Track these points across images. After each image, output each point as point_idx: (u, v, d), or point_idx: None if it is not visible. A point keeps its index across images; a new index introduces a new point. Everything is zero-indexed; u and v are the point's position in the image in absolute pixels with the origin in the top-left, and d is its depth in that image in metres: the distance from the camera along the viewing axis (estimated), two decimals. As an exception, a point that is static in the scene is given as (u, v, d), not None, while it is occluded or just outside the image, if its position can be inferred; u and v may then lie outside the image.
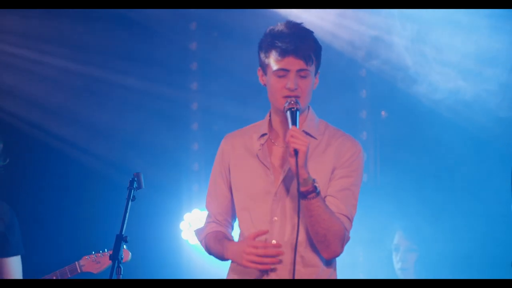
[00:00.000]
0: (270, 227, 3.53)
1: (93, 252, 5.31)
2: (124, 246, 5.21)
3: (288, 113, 3.44)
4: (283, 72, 3.50)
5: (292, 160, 3.34)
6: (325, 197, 3.52)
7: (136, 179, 3.69)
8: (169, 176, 7.05)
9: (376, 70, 6.71)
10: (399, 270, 6.39)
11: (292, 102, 3.45)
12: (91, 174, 7.04)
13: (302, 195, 3.39)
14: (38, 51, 7.00)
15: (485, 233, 6.22)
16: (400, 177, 6.64)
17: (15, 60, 6.97)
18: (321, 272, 3.54)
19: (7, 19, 6.84)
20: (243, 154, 3.67)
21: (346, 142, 3.60)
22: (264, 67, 3.57)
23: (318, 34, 6.64)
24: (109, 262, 5.20)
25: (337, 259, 3.65)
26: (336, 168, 3.55)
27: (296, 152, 3.32)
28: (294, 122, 3.42)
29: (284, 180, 3.55)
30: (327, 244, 3.46)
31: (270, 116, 3.67)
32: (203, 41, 7.20)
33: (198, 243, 7.10)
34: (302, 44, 3.50)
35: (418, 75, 6.49)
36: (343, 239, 3.49)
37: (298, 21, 3.60)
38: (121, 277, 3.53)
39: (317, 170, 3.51)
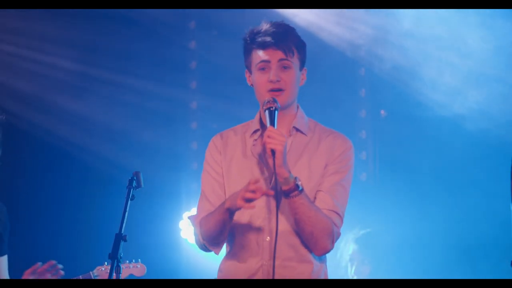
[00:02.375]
0: (268, 222, 3.53)
1: (106, 263, 5.32)
2: (139, 261, 5.24)
3: (267, 112, 3.46)
4: (264, 64, 3.55)
5: (270, 161, 3.36)
6: (317, 192, 3.54)
7: (135, 178, 3.68)
8: (169, 175, 7.05)
9: (376, 69, 6.72)
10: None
11: (271, 101, 3.48)
12: (90, 173, 7.04)
13: (285, 194, 3.42)
14: (37, 50, 7.00)
15: (485, 234, 6.23)
16: (398, 176, 6.64)
17: (14, 59, 6.97)
18: (315, 268, 3.55)
19: (7, 19, 6.84)
20: (235, 151, 3.68)
21: (337, 139, 3.63)
22: (249, 66, 3.63)
23: (317, 33, 6.70)
24: (125, 275, 5.24)
25: (333, 259, 3.66)
26: (328, 164, 3.57)
27: (273, 152, 3.34)
28: (272, 122, 3.43)
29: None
30: (314, 241, 3.47)
31: (260, 114, 3.68)
32: (202, 40, 7.20)
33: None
34: (281, 36, 3.53)
35: (418, 75, 6.50)
36: (332, 235, 3.48)
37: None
38: (120, 277, 3.53)
39: (311, 166, 3.55)
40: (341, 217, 3.54)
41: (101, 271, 5.27)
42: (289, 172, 3.39)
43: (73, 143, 7.05)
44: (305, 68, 3.64)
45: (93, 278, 5.25)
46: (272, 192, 3.41)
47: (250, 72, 3.64)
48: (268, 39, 3.53)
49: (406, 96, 6.56)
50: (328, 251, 3.52)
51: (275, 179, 3.38)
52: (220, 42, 7.01)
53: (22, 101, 7.01)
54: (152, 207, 6.81)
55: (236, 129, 3.76)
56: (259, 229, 3.54)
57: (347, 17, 6.60)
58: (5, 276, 4.80)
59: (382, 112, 6.88)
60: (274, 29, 3.54)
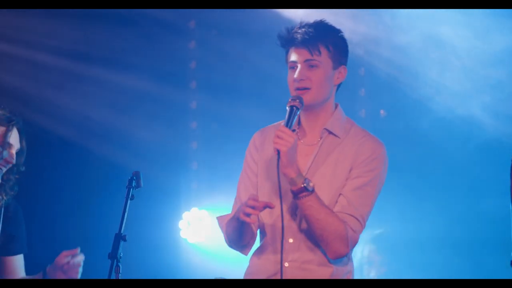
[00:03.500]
0: (292, 223, 3.52)
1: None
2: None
3: (287, 109, 3.44)
4: (292, 64, 3.53)
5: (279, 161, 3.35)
6: (339, 195, 3.50)
7: (135, 178, 3.68)
8: (168, 175, 7.05)
9: (375, 69, 6.71)
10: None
11: (295, 99, 3.45)
12: (90, 173, 7.04)
13: (293, 195, 3.39)
14: (36, 50, 6.99)
15: (485, 233, 6.23)
16: (398, 176, 6.64)
17: (14, 59, 6.97)
18: (335, 272, 3.52)
19: (7, 19, 6.84)
20: (271, 150, 3.58)
21: (367, 142, 3.59)
22: (287, 64, 3.62)
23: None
24: None
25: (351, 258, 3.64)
26: (352, 168, 3.53)
27: (278, 152, 3.33)
28: (288, 120, 3.41)
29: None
30: (325, 244, 3.44)
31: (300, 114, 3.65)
32: (202, 39, 7.20)
33: (197, 241, 7.15)
34: (308, 35, 3.50)
35: (418, 74, 6.49)
36: (345, 239, 3.44)
37: (311, 20, 3.62)
38: (119, 277, 3.53)
39: (336, 169, 3.52)
40: (359, 221, 3.49)
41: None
42: (298, 172, 3.37)
43: (72, 143, 7.05)
44: (343, 66, 3.62)
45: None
46: (273, 205, 3.38)
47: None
48: (292, 38, 3.52)
49: (406, 96, 6.56)
50: (342, 255, 3.48)
51: (279, 181, 3.36)
52: (220, 42, 7.01)
53: (19, 100, 7.00)
54: (151, 207, 6.80)
55: (277, 126, 3.65)
56: (278, 231, 3.50)
57: (346, 17, 6.60)
58: (21, 275, 4.81)
59: (382, 112, 6.88)
60: (303, 29, 3.52)
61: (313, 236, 3.47)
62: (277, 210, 3.46)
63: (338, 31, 3.62)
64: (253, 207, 3.34)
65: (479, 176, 6.33)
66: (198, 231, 6.97)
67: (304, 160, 3.55)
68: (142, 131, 7.09)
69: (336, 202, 3.50)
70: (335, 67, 3.59)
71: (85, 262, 5.41)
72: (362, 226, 3.52)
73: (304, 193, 3.37)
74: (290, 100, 3.46)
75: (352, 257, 3.66)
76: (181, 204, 7.02)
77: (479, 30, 6.19)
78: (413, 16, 6.36)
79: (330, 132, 3.59)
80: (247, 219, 3.35)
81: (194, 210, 6.97)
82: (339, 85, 3.70)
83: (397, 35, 6.50)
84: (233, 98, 6.89)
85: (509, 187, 3.28)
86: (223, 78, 6.97)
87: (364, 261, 6.45)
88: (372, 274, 6.39)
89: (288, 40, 3.54)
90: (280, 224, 3.44)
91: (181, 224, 7.00)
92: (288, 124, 3.40)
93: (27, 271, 5.09)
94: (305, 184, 3.36)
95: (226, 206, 6.84)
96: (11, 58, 6.95)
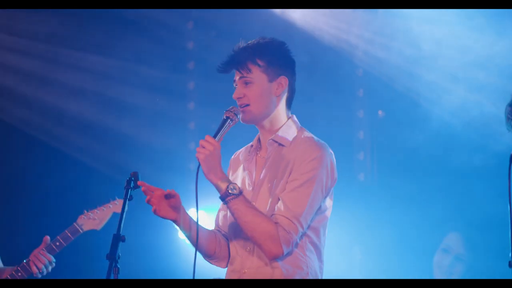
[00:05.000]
0: (242, 234, 3.69)
1: (85, 211, 5.29)
2: (116, 197, 5.19)
3: (223, 118, 3.68)
4: (234, 83, 3.78)
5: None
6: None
7: (133, 178, 3.69)
8: (166, 176, 7.04)
9: (373, 70, 6.71)
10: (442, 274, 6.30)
11: (231, 111, 3.68)
12: (88, 174, 7.03)
13: (222, 200, 3.58)
14: (34, 49, 6.99)
15: (483, 233, 6.23)
16: (396, 176, 6.64)
17: (13, 59, 6.97)
18: (286, 273, 3.60)
19: (7, 19, 6.84)
20: (239, 165, 3.87)
21: (307, 147, 3.67)
22: None
23: (315, 33, 6.70)
24: (108, 215, 5.21)
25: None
26: (292, 172, 3.63)
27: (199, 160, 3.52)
28: (218, 129, 3.65)
29: (254, 187, 3.71)
30: (258, 245, 3.57)
31: None
32: (200, 40, 7.20)
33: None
34: (236, 56, 3.74)
35: (416, 75, 6.50)
36: (276, 239, 3.53)
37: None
38: (118, 277, 3.53)
39: (278, 176, 3.64)
40: (292, 222, 3.55)
41: (85, 219, 5.23)
42: (222, 178, 3.54)
43: (70, 143, 7.05)
44: (282, 76, 3.72)
45: (79, 229, 5.20)
46: (170, 191, 3.73)
47: None
48: (228, 60, 3.77)
49: (404, 96, 6.56)
50: (276, 256, 3.57)
51: (196, 187, 3.63)
52: (218, 43, 7.01)
53: (18, 100, 7.00)
54: (150, 208, 6.78)
55: (249, 147, 3.89)
56: (240, 241, 3.71)
57: (345, 18, 6.60)
58: None
59: (380, 112, 6.88)
60: (234, 50, 3.77)
61: None
62: (234, 222, 3.67)
63: (270, 44, 3.76)
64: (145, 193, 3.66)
65: (478, 177, 6.33)
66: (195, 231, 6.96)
67: (259, 171, 3.73)
68: (140, 132, 7.09)
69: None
70: (271, 80, 3.71)
71: (84, 262, 5.42)
72: (297, 226, 3.57)
73: (229, 197, 3.54)
74: (226, 110, 3.70)
75: (317, 259, 3.68)
76: (179, 204, 7.01)
77: (480, 30, 6.19)
78: (412, 16, 6.36)
79: (276, 142, 3.72)
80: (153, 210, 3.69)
81: (192, 211, 6.95)
82: (291, 96, 3.79)
83: (396, 35, 6.50)
84: (231, 99, 6.89)
85: (508, 188, 3.29)
86: (221, 78, 6.96)
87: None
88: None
89: (223, 65, 3.79)
90: (234, 235, 3.73)
91: (180, 224, 6.99)
92: (216, 133, 3.63)
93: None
94: (229, 189, 3.52)
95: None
96: (10, 58, 6.95)
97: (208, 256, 3.88)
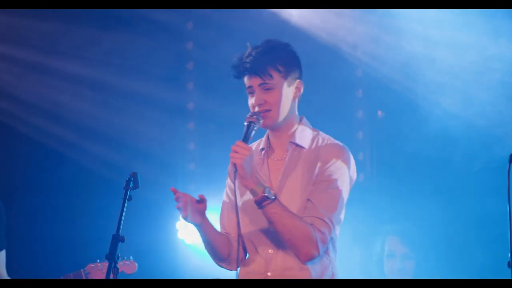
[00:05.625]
0: (269, 236, 3.67)
1: (98, 260, 5.32)
2: (131, 258, 5.26)
3: (245, 125, 3.62)
4: (250, 90, 3.73)
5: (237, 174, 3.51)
6: (307, 200, 3.63)
7: (132, 178, 3.69)
8: (166, 176, 7.05)
9: (373, 70, 6.72)
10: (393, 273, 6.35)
11: (252, 115, 3.65)
12: (87, 174, 7.03)
13: (257, 204, 3.54)
14: (33, 51, 6.99)
15: (482, 233, 6.23)
16: (396, 177, 6.65)
17: (12, 59, 6.97)
18: (314, 274, 3.62)
19: (6, 19, 6.84)
20: None
21: (330, 148, 3.71)
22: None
23: (314, 33, 6.70)
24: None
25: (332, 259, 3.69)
26: (317, 174, 3.66)
27: (235, 165, 3.48)
28: (244, 136, 3.58)
29: (274, 190, 3.67)
30: (295, 248, 3.57)
31: (268, 133, 3.85)
32: (199, 40, 7.20)
33: (194, 242, 7.14)
34: (257, 61, 3.67)
35: (415, 75, 6.50)
36: (313, 241, 3.55)
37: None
38: (117, 277, 3.53)
39: (303, 177, 3.66)
40: (326, 223, 3.59)
41: (93, 269, 5.27)
42: (257, 183, 3.52)
43: (70, 144, 7.05)
44: (299, 80, 3.74)
45: (84, 275, 5.24)
46: (202, 197, 3.65)
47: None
48: (246, 66, 3.68)
49: (403, 96, 6.57)
50: (312, 257, 3.59)
51: (235, 193, 3.61)
52: (217, 43, 7.01)
53: (17, 100, 7.00)
54: (149, 208, 6.80)
55: (252, 147, 3.86)
56: (259, 241, 3.69)
57: (344, 18, 6.60)
58: (3, 270, 4.82)
59: (379, 112, 6.88)
60: (252, 55, 3.69)
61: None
62: (253, 224, 3.68)
63: (285, 48, 3.75)
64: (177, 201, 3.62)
65: (478, 177, 6.33)
66: (196, 232, 6.95)
67: (276, 174, 3.73)
68: (139, 132, 7.09)
69: (305, 207, 3.63)
70: (290, 84, 3.72)
71: (83, 262, 5.42)
72: (331, 227, 3.61)
73: (266, 202, 3.51)
74: (248, 116, 3.65)
75: (333, 258, 3.72)
76: (178, 205, 7.01)
77: (479, 30, 6.19)
78: (411, 16, 6.36)
79: (297, 145, 3.74)
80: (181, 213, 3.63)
81: (192, 211, 6.96)
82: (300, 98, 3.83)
83: (395, 36, 6.50)
84: (230, 99, 6.89)
85: (506, 187, 3.29)
86: (220, 78, 6.96)
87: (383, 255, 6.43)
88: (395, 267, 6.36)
89: (240, 71, 3.71)
90: (259, 237, 3.68)
91: (179, 225, 7.00)
92: (244, 138, 3.57)
93: (24, 271, 5.11)
94: (265, 193, 3.50)
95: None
96: (10, 58, 6.95)
97: (221, 260, 3.82)
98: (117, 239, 3.54)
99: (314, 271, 3.62)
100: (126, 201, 3.65)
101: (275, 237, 3.63)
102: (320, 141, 3.75)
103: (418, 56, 6.45)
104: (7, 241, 5.05)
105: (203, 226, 3.73)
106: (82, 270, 5.27)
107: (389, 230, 6.45)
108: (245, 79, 3.71)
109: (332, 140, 3.76)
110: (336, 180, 3.63)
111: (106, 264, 5.20)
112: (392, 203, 6.53)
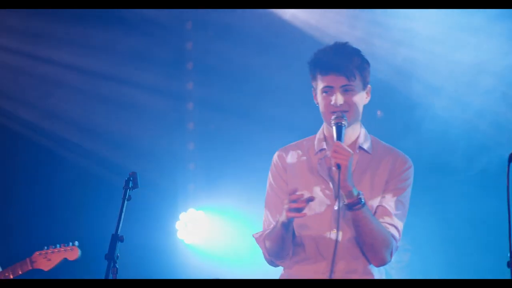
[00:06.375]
0: (329, 238, 3.66)
1: (45, 248, 5.28)
2: (76, 243, 5.22)
3: (334, 127, 3.61)
4: (327, 89, 3.67)
5: (335, 175, 3.51)
6: (377, 206, 3.67)
7: (131, 178, 3.69)
8: (165, 176, 7.05)
9: (372, 70, 6.70)
10: (392, 270, 6.37)
11: (340, 116, 3.63)
12: (87, 174, 7.03)
13: (348, 207, 3.55)
14: (33, 51, 6.99)
15: (481, 235, 6.24)
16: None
17: (12, 59, 6.97)
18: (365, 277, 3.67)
19: (6, 19, 6.84)
20: (301, 169, 3.78)
21: (398, 157, 3.79)
22: (315, 87, 3.74)
23: (313, 33, 6.69)
24: (59, 259, 5.20)
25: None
26: (388, 181, 3.71)
27: (339, 166, 3.47)
28: (339, 137, 3.58)
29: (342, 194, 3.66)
30: (374, 253, 3.63)
31: (324, 131, 3.81)
32: (199, 40, 7.20)
33: (194, 242, 7.15)
34: (343, 60, 3.67)
35: (414, 75, 6.50)
36: (391, 248, 3.63)
37: (343, 40, 3.72)
38: (116, 277, 3.53)
39: (373, 183, 3.70)
40: (399, 231, 3.68)
41: (38, 256, 5.22)
42: (353, 186, 3.53)
43: (70, 144, 7.05)
44: (369, 86, 3.79)
45: (30, 264, 5.21)
46: (313, 198, 3.53)
47: (315, 92, 3.75)
48: (329, 63, 3.66)
49: (403, 96, 6.57)
50: (385, 263, 3.67)
51: (338, 193, 3.55)
52: (217, 43, 7.01)
53: (16, 101, 7.00)
54: (148, 208, 6.80)
55: (300, 145, 3.85)
56: (324, 242, 3.67)
57: (343, 17, 6.60)
58: None
59: (379, 112, 6.89)
60: (337, 54, 3.67)
61: (357, 246, 3.64)
62: (324, 222, 3.64)
63: (360, 53, 3.77)
64: (295, 201, 3.46)
65: (477, 177, 6.34)
66: (195, 232, 6.97)
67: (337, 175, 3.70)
68: (139, 132, 7.09)
69: (375, 213, 3.66)
70: (364, 88, 3.77)
71: (82, 262, 5.41)
72: (400, 235, 3.70)
73: (358, 205, 3.54)
74: (334, 117, 3.63)
75: None
76: (178, 205, 7.01)
77: (478, 30, 6.19)
78: (411, 16, 6.36)
79: (363, 149, 3.78)
80: (297, 215, 3.47)
81: (191, 210, 6.96)
82: None
83: (394, 36, 6.51)
84: (230, 99, 6.89)
85: (506, 188, 3.30)
86: (220, 78, 6.97)
87: None
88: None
89: (324, 68, 3.65)
90: (329, 236, 3.64)
91: (178, 225, 7.00)
92: (340, 140, 3.57)
93: (32, 271, 5.11)
94: (360, 196, 3.53)
95: (223, 207, 6.88)
96: (10, 58, 6.95)
97: (282, 257, 3.73)
98: (116, 238, 3.54)
99: (375, 276, 3.68)
100: (126, 201, 3.65)
101: (341, 238, 3.63)
102: (385, 148, 3.83)
103: (418, 56, 6.45)
104: (23, 247, 5.05)
105: (292, 222, 3.63)
106: (28, 258, 5.23)
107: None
108: (326, 77, 3.67)
109: (394, 148, 3.84)
110: (406, 189, 3.73)
111: (51, 251, 5.20)
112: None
